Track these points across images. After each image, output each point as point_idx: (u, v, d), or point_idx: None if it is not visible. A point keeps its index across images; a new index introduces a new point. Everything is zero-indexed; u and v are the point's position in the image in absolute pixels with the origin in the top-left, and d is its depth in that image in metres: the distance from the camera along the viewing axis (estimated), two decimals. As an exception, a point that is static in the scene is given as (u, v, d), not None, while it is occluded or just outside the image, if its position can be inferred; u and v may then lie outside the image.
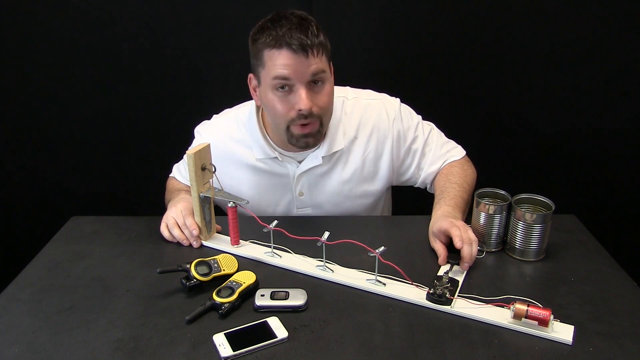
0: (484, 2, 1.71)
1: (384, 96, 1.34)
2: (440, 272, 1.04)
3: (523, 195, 1.13)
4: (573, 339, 0.86)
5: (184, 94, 1.85)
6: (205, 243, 1.18)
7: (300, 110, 1.12)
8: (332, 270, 1.05)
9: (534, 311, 0.87)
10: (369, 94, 1.34)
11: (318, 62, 1.11)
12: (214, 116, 1.36)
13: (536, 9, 1.71)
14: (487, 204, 1.11)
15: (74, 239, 1.22)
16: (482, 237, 1.12)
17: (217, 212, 1.23)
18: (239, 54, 1.16)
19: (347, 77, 1.33)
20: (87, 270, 1.09)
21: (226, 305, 0.93)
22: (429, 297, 0.96)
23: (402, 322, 0.92)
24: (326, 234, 1.01)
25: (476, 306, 0.94)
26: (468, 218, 1.19)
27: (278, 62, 1.09)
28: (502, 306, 0.92)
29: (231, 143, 1.30)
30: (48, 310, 0.96)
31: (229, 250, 1.14)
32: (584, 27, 1.72)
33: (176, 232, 1.17)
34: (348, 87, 1.34)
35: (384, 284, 1.00)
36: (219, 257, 1.05)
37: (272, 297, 0.95)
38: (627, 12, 1.68)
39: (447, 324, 0.91)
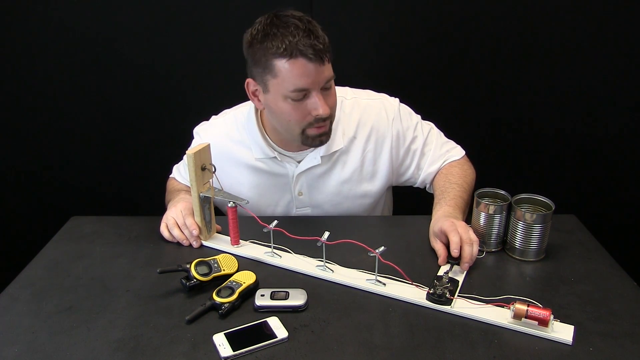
0: (484, 2, 1.71)
1: (383, 96, 1.33)
2: (440, 272, 1.04)
3: (523, 195, 1.13)
4: (573, 339, 0.86)
5: (184, 94, 1.86)
6: (205, 243, 1.18)
7: (318, 115, 1.12)
8: (332, 270, 1.05)
9: (534, 311, 0.87)
10: (368, 94, 1.34)
11: (329, 68, 1.11)
12: (213, 117, 1.36)
13: (536, 10, 1.70)
14: (487, 204, 1.11)
15: (74, 239, 1.22)
16: (482, 237, 1.12)
17: (217, 212, 1.23)
18: (239, 55, 1.15)
19: (347, 77, 1.33)
20: (87, 270, 1.09)
21: (226, 305, 0.93)
22: (429, 297, 0.96)
23: (402, 322, 0.92)
24: (326, 234, 1.01)
25: (476, 306, 0.94)
26: (468, 218, 1.19)
27: (295, 72, 1.07)
28: (502, 306, 0.92)
29: (230, 143, 1.30)
30: (48, 310, 0.96)
31: (229, 250, 1.14)
32: (584, 28, 1.72)
33: (176, 232, 1.17)
34: (347, 87, 1.34)
35: (384, 284, 1.00)
36: (219, 257, 1.05)
37: (272, 297, 0.95)
38: (628, 13, 1.68)
39: (447, 324, 0.91)
